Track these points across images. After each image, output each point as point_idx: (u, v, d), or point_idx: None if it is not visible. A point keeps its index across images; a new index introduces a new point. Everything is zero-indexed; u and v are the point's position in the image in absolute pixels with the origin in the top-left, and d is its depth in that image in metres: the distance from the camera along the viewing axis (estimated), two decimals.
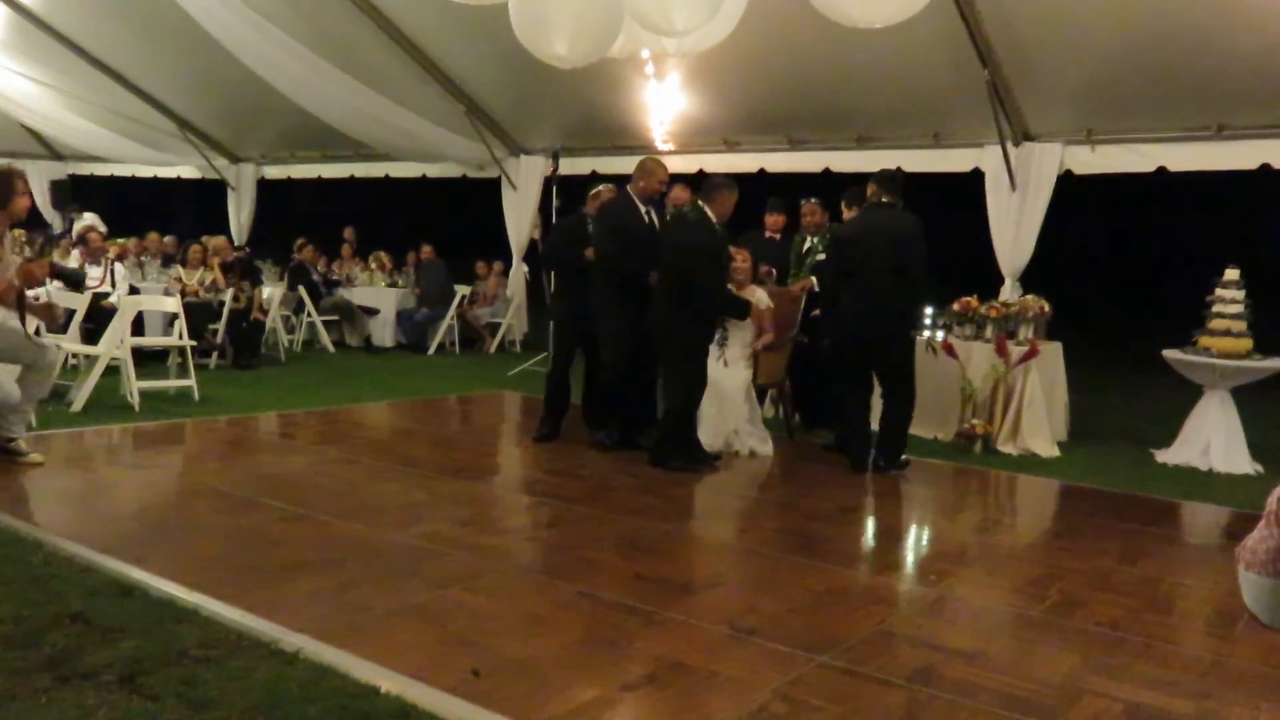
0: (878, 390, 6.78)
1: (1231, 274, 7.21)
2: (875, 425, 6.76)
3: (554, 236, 7.42)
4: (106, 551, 4.17)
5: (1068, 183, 8.77)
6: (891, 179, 6.68)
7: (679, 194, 7.62)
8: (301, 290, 11.78)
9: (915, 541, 5.39)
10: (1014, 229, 8.81)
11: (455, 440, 7.46)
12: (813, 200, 7.78)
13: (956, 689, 3.26)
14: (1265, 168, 7.83)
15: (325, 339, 11.86)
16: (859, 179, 7.29)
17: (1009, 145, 8.65)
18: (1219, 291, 7.20)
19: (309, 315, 11.83)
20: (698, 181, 10.16)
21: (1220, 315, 7.14)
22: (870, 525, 5.63)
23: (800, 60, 8.67)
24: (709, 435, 6.76)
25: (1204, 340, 7.18)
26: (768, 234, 8.03)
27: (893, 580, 4.50)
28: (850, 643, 3.62)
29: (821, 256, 7.57)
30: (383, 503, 5.29)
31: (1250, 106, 7.60)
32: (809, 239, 7.81)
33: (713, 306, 6.47)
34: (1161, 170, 8.30)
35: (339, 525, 4.80)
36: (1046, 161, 8.67)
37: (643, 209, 6.63)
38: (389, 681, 3.05)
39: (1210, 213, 17.49)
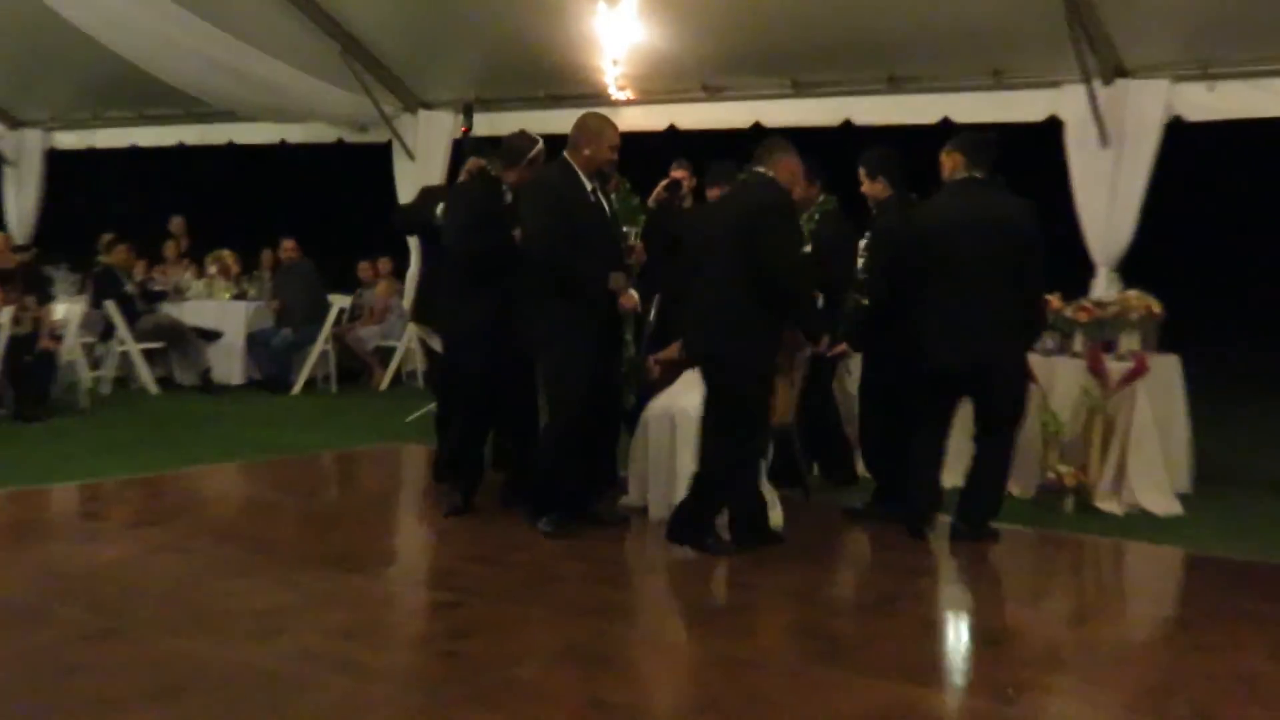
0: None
1: None
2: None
3: (461, 216, 7.17)
4: None
5: (1178, 134, 8.88)
6: (982, 145, 6.73)
7: (680, 176, 7.70)
8: (110, 307, 11.65)
9: (985, 641, 5.36)
10: (1107, 199, 8.92)
11: (333, 516, 7.38)
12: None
13: None
14: None
15: (146, 375, 11.73)
16: (890, 134, 7.32)
17: (1096, 84, 8.76)
18: None
19: (121, 342, 11.69)
20: (669, 141, 10.20)
21: None
22: (921, 620, 5.59)
23: None
24: None
25: None
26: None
27: (955, 697, 4.48)
28: None
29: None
30: (230, 608, 5.21)
31: None
32: None
33: (797, 310, 6.33)
34: None
35: (167, 643, 4.73)
36: (1148, 106, 8.79)
37: (588, 185, 6.58)
38: None
39: None
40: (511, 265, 6.75)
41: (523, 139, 7.16)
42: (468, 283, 6.99)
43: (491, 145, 7.71)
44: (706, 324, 6.31)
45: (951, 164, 6.72)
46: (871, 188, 7.11)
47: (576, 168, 6.58)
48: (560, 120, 10.77)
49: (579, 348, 6.45)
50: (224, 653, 4.63)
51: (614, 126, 6.75)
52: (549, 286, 6.50)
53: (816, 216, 7.76)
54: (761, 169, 6.35)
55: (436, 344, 7.51)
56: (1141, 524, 7.23)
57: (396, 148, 12.33)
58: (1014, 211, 6.52)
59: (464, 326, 7.08)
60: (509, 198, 6.96)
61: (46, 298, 10.47)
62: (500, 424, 7.28)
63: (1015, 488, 7.69)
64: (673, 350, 7.28)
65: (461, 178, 7.42)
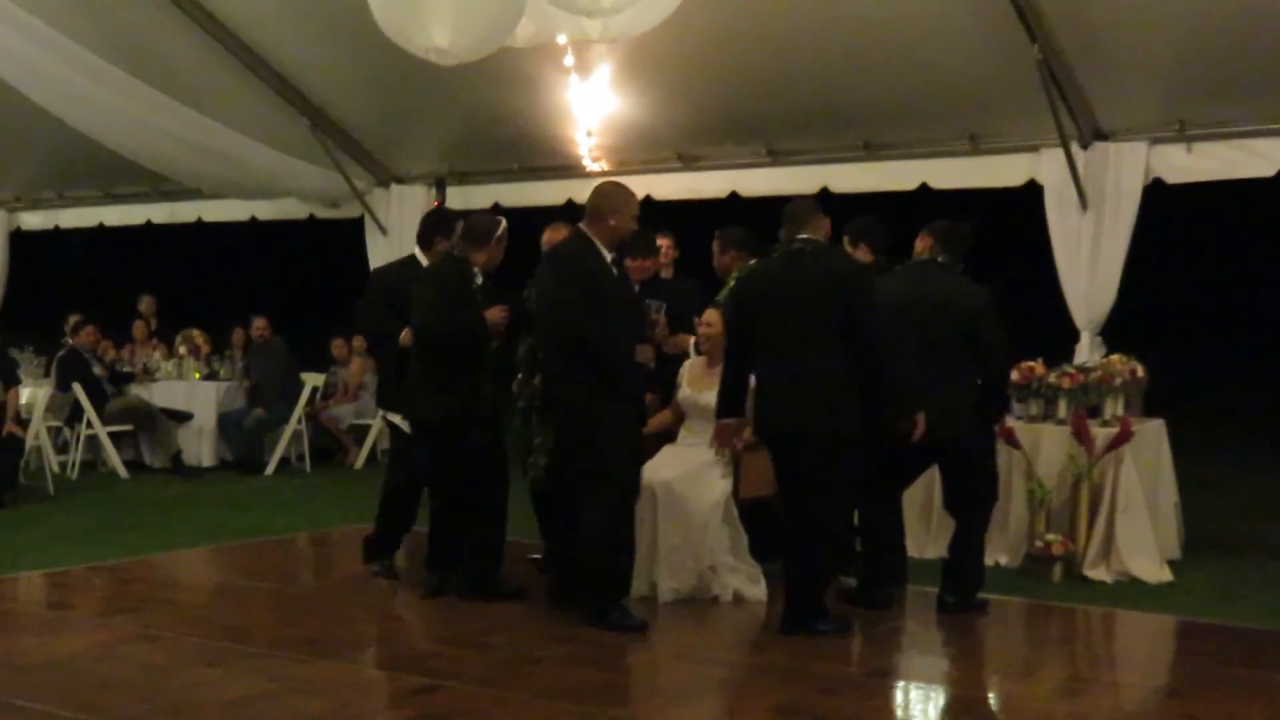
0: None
1: None
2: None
3: (431, 298, 7.12)
4: None
5: (1157, 196, 8.99)
6: (953, 234, 6.87)
7: (662, 245, 7.82)
8: (77, 390, 11.63)
9: (976, 715, 5.38)
10: (1089, 263, 9.00)
11: (307, 601, 7.37)
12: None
13: None
14: None
15: (114, 459, 11.69)
16: (868, 201, 7.40)
17: (1074, 148, 8.87)
18: None
19: (89, 426, 11.66)
20: (646, 211, 10.25)
21: None
22: (910, 696, 5.62)
23: (781, 41, 8.85)
24: (672, 574, 6.74)
25: None
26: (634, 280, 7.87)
27: None
28: None
29: None
30: (202, 698, 5.19)
31: None
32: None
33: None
34: None
35: None
36: (1127, 168, 8.89)
37: (608, 257, 6.51)
38: None
39: None
40: (483, 348, 6.78)
41: (487, 219, 7.23)
42: (438, 366, 6.94)
43: (455, 218, 7.67)
44: (802, 398, 6.18)
45: (922, 245, 6.89)
46: (853, 254, 7.22)
47: (595, 239, 6.50)
48: (535, 193, 10.94)
49: (618, 425, 6.38)
50: None
51: (634, 195, 6.75)
52: (578, 367, 6.41)
53: (731, 283, 7.46)
54: (808, 235, 6.35)
55: (405, 425, 7.44)
56: (1131, 592, 7.24)
57: (369, 223, 12.32)
58: (960, 295, 6.64)
59: (434, 413, 6.97)
60: (479, 279, 6.99)
61: (12, 381, 10.43)
62: (477, 511, 7.16)
63: (1003, 556, 7.74)
64: (655, 423, 7.31)
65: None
